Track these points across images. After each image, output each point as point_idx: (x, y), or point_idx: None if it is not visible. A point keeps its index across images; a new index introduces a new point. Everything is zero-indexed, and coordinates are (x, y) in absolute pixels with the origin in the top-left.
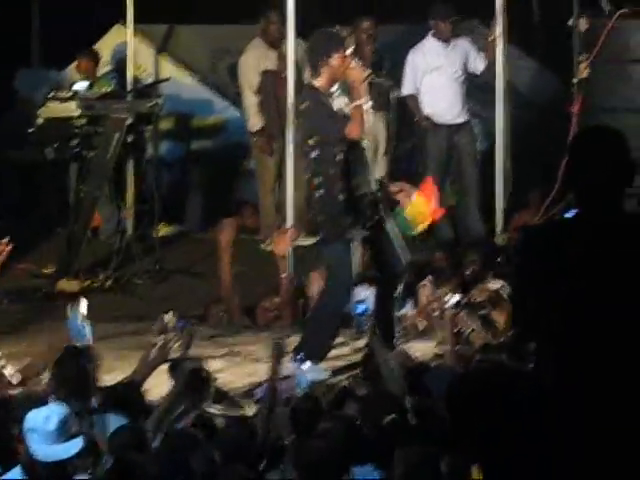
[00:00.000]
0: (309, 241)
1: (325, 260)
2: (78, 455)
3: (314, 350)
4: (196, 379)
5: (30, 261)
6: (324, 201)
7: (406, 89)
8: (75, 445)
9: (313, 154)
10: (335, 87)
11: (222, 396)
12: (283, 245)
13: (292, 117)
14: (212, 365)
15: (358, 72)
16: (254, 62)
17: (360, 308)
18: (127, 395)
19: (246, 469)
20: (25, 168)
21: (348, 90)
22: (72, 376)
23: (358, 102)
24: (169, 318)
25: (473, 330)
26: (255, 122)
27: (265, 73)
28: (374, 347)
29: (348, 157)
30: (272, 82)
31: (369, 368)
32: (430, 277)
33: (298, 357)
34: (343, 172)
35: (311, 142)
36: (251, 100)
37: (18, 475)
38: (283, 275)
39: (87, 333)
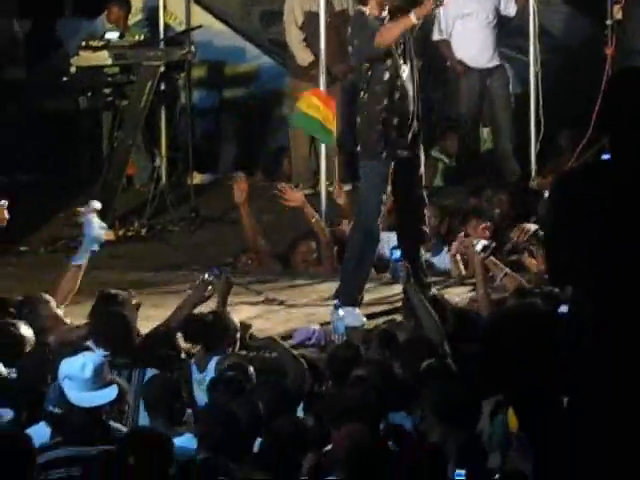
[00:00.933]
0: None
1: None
2: (112, 403)
3: (350, 295)
4: (218, 325)
5: (65, 211)
6: (367, 120)
7: (438, 34)
8: (110, 393)
9: (359, 75)
10: (385, 13)
11: (257, 342)
12: (294, 196)
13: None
14: (248, 312)
15: None
16: (300, 1)
17: (396, 254)
18: (162, 343)
19: (286, 418)
20: (59, 117)
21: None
22: (109, 323)
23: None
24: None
25: (506, 274)
26: (305, 56)
27: (309, 13)
28: (409, 293)
29: (394, 77)
30: (316, 23)
31: (406, 313)
32: (464, 221)
33: (335, 303)
34: (388, 91)
35: (357, 63)
36: (297, 36)
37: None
38: (313, 220)
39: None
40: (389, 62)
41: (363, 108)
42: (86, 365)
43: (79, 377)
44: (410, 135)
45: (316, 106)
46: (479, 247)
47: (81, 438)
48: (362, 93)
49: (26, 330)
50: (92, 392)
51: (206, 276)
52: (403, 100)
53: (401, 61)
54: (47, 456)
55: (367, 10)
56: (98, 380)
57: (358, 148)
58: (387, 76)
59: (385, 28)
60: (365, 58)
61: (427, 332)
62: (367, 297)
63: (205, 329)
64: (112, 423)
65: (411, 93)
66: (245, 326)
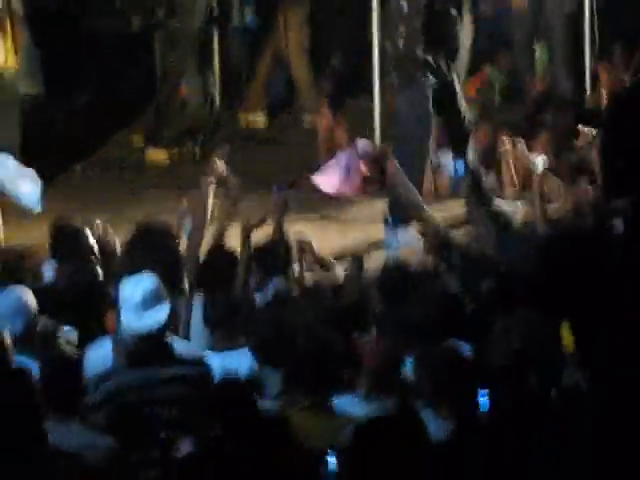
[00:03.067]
0: None
1: None
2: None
3: (403, 211)
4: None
5: (119, 131)
6: (407, 46)
7: None
8: (157, 315)
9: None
10: None
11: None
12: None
13: None
14: (303, 230)
15: None
16: None
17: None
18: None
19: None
20: (111, 38)
21: None
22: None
23: None
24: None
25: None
26: None
27: None
28: (470, 207)
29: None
30: None
31: (466, 229)
32: (515, 139)
33: (389, 220)
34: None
35: None
36: None
37: (108, 346)
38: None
39: None
40: None
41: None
42: (136, 289)
43: (130, 300)
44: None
45: None
46: (539, 163)
47: (143, 361)
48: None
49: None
50: (139, 314)
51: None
52: None
53: None
54: (116, 382)
55: None
56: (147, 304)
57: None
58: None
59: None
60: None
61: (485, 248)
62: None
63: (262, 251)
64: (177, 343)
65: None
66: (305, 244)
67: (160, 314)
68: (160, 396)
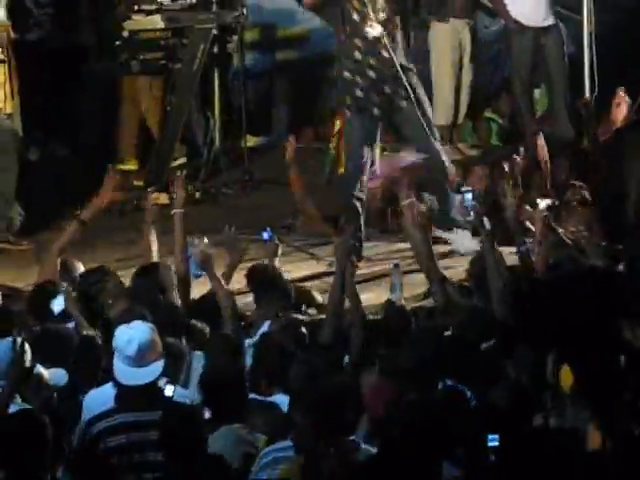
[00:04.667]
0: None
1: None
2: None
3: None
4: (271, 283)
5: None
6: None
7: None
8: (153, 370)
9: None
10: None
11: (311, 302)
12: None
13: None
14: (299, 272)
15: None
16: None
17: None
18: (214, 304)
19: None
20: (110, 81)
21: None
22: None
23: None
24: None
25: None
26: None
27: None
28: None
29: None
30: None
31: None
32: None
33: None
34: None
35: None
36: None
37: (109, 390)
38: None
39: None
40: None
41: None
42: (132, 341)
43: (123, 351)
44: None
45: None
46: (543, 206)
47: (134, 407)
48: None
49: None
50: (134, 369)
51: (265, 236)
52: None
53: None
54: (105, 423)
55: None
56: (142, 358)
57: None
58: None
59: None
60: None
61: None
62: None
63: (257, 284)
64: (167, 388)
65: None
66: (303, 292)
67: (154, 370)
68: (146, 440)
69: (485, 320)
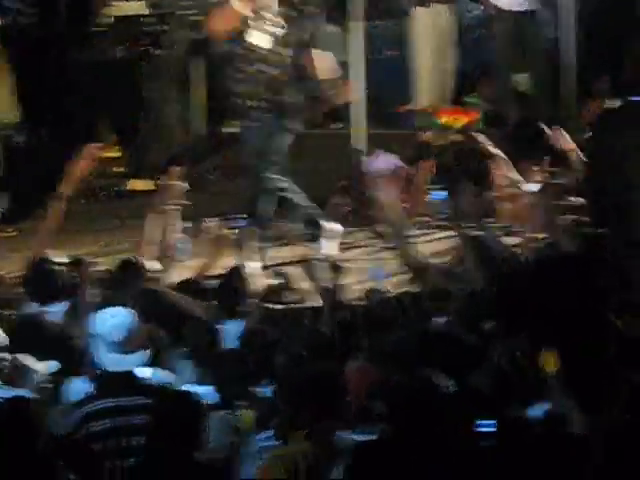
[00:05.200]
0: None
1: None
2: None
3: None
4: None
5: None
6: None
7: None
8: (140, 358)
9: None
10: None
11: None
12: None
13: None
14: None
15: None
16: None
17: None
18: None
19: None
20: (94, 68)
21: None
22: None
23: None
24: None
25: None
26: None
27: None
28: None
29: None
30: None
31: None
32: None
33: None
34: None
35: None
36: None
37: (84, 384)
38: None
39: None
40: None
41: None
42: (118, 327)
43: (107, 337)
44: None
45: None
46: (532, 188)
47: (114, 392)
48: None
49: None
50: (121, 355)
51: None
52: None
53: None
54: (88, 408)
55: None
56: (128, 344)
57: None
58: None
59: None
60: None
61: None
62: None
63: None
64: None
65: None
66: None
67: (140, 359)
68: (125, 424)
69: (484, 303)
